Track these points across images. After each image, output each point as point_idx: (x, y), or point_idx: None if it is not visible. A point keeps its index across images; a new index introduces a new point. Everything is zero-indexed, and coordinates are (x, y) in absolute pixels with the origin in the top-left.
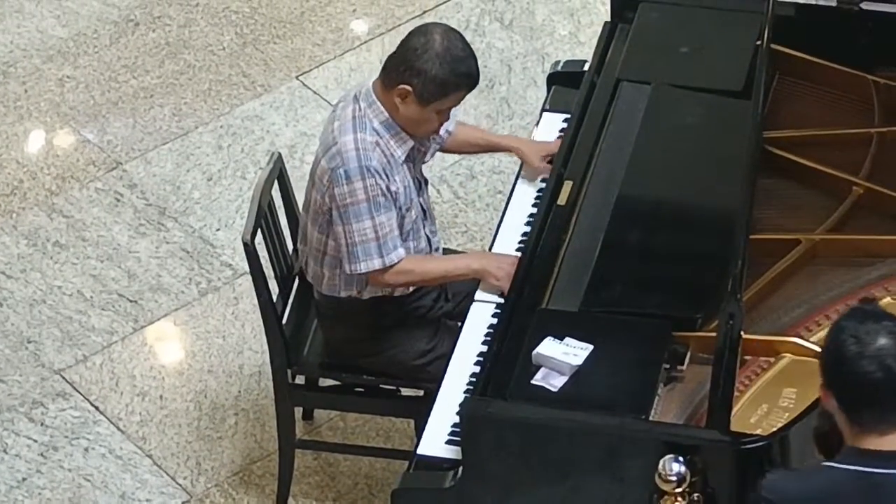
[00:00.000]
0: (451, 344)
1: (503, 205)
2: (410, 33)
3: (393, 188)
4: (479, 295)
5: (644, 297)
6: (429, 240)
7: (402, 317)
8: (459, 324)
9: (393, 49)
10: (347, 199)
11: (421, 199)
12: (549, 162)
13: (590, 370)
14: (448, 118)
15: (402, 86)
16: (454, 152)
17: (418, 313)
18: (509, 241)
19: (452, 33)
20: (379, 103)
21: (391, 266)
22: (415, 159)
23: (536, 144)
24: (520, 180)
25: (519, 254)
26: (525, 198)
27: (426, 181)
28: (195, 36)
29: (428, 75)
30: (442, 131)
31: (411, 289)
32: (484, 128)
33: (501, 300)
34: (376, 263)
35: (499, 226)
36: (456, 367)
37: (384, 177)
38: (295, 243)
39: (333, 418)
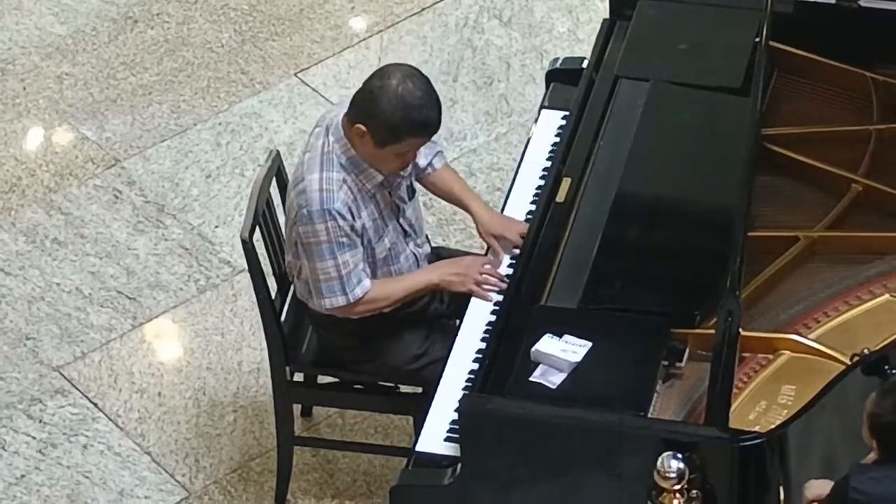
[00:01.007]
0: (444, 347)
1: (502, 202)
2: (372, 73)
3: (359, 225)
4: (473, 302)
5: (643, 294)
6: (415, 256)
7: (394, 322)
8: (458, 321)
9: (392, 46)
10: (311, 238)
11: (402, 220)
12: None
13: (588, 367)
14: (413, 158)
15: (358, 125)
16: (427, 189)
17: (411, 315)
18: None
19: (412, 79)
20: (346, 139)
21: (357, 301)
22: (391, 185)
23: (495, 220)
24: (518, 178)
25: (476, 252)
26: (523, 195)
27: (413, 193)
28: (194, 33)
29: (380, 119)
30: (424, 163)
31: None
32: (482, 125)
33: (500, 297)
34: (340, 300)
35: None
36: (454, 364)
37: (348, 216)
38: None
39: (332, 415)
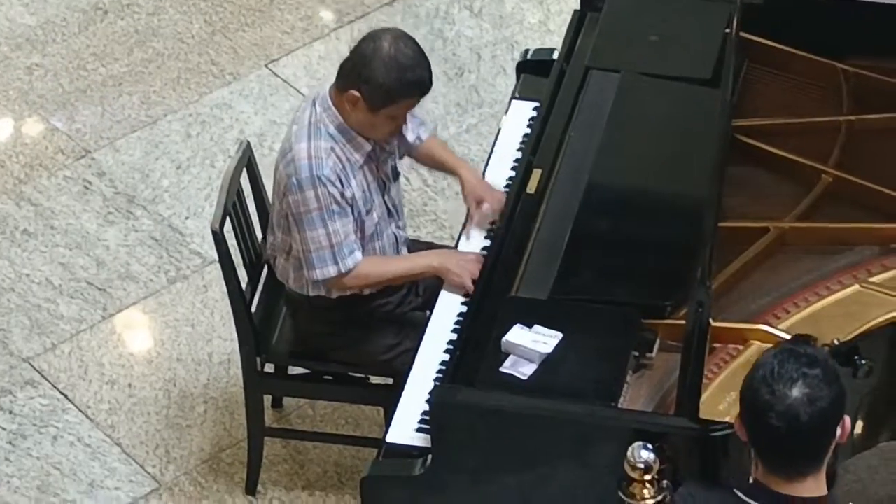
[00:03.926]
0: (418, 338)
1: None
2: (362, 38)
3: (348, 194)
4: (444, 292)
5: (613, 285)
6: (396, 238)
7: (370, 313)
8: (428, 312)
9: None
10: (301, 208)
11: (386, 198)
12: (479, 204)
13: (559, 358)
14: (405, 122)
15: (351, 91)
16: (419, 162)
17: (386, 309)
18: (478, 230)
19: (402, 40)
20: (334, 108)
21: (348, 272)
22: (378, 159)
23: (480, 186)
24: (488, 169)
25: (482, 251)
26: (494, 186)
27: (397, 175)
28: (164, 24)
29: (375, 82)
30: (412, 137)
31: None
32: (453, 116)
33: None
34: (332, 270)
35: (468, 214)
36: (425, 355)
37: (338, 184)
38: (264, 232)
39: (303, 406)
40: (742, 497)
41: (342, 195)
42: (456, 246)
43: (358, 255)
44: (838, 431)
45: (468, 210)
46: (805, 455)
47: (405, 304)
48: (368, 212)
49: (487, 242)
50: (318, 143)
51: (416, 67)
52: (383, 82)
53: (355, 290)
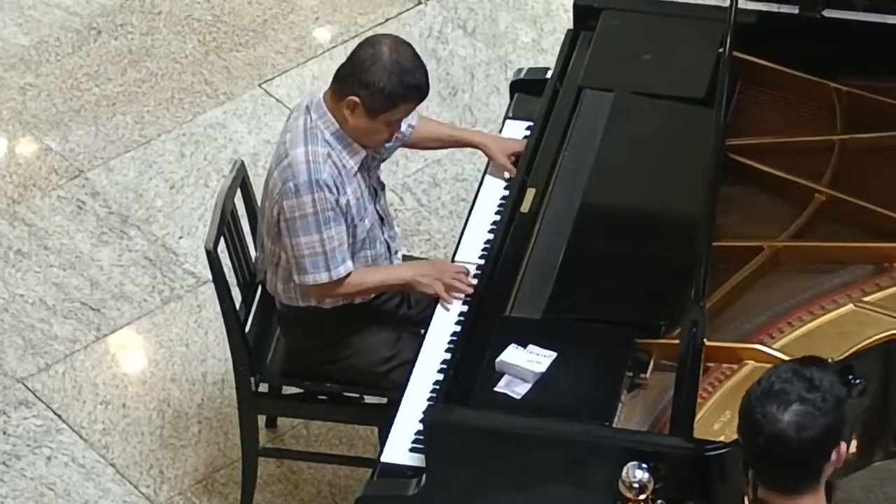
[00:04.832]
0: (413, 351)
1: (466, 212)
2: (360, 45)
3: (343, 201)
4: (438, 312)
5: (607, 305)
6: (388, 245)
7: (364, 323)
8: (423, 331)
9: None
10: (296, 213)
11: (377, 206)
12: (515, 162)
13: (553, 377)
14: (399, 128)
15: (350, 97)
16: (417, 148)
17: (381, 317)
18: (472, 249)
19: (401, 45)
20: (329, 115)
21: (339, 279)
22: (369, 167)
23: (503, 141)
24: (483, 188)
25: (476, 270)
26: (488, 205)
27: (383, 186)
28: (158, 44)
29: (376, 87)
30: (404, 127)
31: (372, 295)
32: None
33: (465, 307)
34: (323, 277)
35: (462, 233)
36: (419, 375)
37: (334, 190)
38: (258, 251)
39: (297, 426)
40: None
41: (337, 202)
42: (453, 257)
43: (349, 264)
44: (833, 456)
45: (455, 250)
46: (796, 475)
47: (398, 314)
48: (362, 219)
49: (482, 262)
50: (315, 149)
51: (415, 71)
52: (384, 86)
53: (343, 300)
